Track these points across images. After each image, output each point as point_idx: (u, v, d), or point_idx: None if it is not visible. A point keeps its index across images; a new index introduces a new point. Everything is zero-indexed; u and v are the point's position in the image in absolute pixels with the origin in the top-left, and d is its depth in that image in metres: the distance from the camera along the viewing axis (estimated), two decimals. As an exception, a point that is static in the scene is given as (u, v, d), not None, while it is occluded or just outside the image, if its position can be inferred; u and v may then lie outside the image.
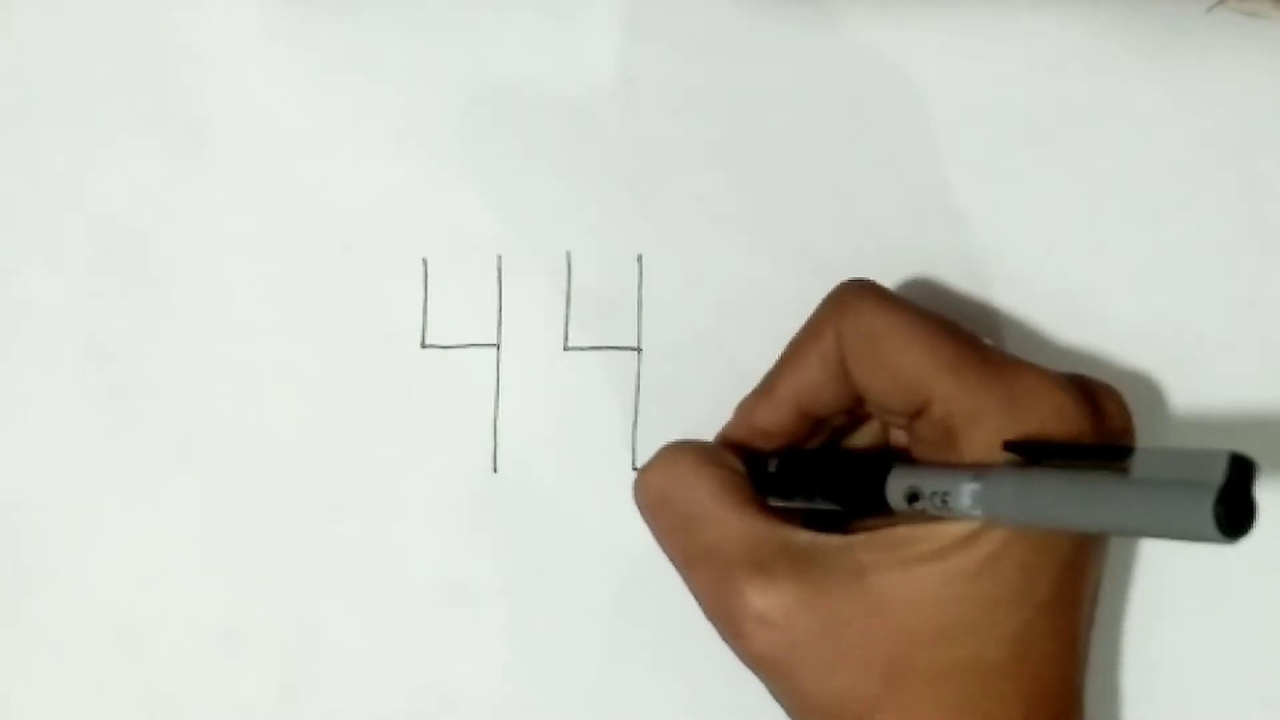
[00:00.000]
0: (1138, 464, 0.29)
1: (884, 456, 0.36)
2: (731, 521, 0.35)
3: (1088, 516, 0.30)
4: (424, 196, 0.42)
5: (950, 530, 0.33)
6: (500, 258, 0.42)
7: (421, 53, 0.42)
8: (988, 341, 0.35)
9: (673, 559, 0.36)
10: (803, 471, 0.37)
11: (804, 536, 0.34)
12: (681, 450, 0.37)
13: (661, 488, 0.36)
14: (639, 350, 0.41)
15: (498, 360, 0.42)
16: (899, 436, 0.38)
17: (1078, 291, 0.41)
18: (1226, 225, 0.41)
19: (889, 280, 0.41)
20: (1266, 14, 0.41)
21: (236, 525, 0.42)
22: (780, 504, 0.37)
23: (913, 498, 0.33)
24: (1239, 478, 0.27)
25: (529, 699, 0.41)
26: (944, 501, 0.32)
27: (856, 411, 0.38)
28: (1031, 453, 0.32)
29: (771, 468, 0.38)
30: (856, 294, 0.36)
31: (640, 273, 0.42)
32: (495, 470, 0.41)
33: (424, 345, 0.42)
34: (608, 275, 0.42)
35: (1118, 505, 0.29)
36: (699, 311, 0.41)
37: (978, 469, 0.32)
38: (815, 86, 0.41)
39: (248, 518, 0.42)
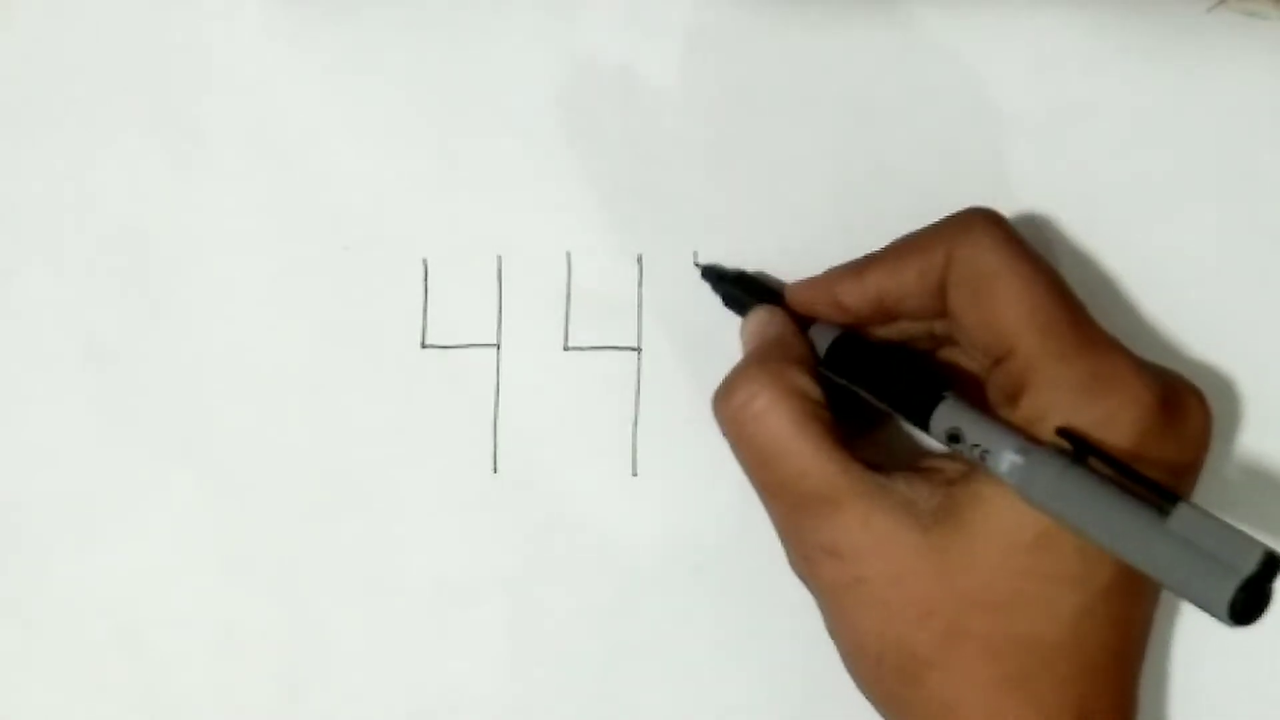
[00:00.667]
0: (1178, 516, 0.29)
1: (939, 380, 0.36)
2: (808, 457, 0.35)
3: (1111, 539, 0.30)
4: (424, 196, 0.42)
5: (1007, 499, 0.33)
6: (500, 258, 0.42)
7: (421, 53, 0.42)
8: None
9: (751, 481, 0.37)
10: (860, 361, 0.37)
11: (875, 479, 0.35)
12: (760, 381, 0.36)
13: (740, 421, 0.36)
14: (639, 350, 0.41)
15: (498, 360, 0.42)
16: (966, 363, 0.38)
17: (1077, 291, 0.41)
18: (1226, 225, 0.41)
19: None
20: (1266, 14, 0.41)
21: (236, 525, 0.42)
22: (827, 374, 0.37)
23: (953, 438, 0.34)
24: (1266, 573, 0.28)
25: (529, 699, 0.41)
26: (982, 456, 0.33)
27: (935, 328, 0.37)
28: (1082, 449, 0.32)
29: (827, 343, 0.38)
30: (979, 223, 0.36)
31: (640, 273, 0.41)
32: (495, 470, 0.42)
33: (424, 345, 0.42)
34: (608, 275, 0.42)
35: (1145, 544, 0.30)
36: (699, 311, 0.41)
37: (1026, 441, 0.32)
38: (815, 86, 0.41)
39: (248, 518, 0.42)
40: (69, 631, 0.42)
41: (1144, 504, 0.30)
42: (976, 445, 0.33)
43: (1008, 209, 0.41)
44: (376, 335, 0.42)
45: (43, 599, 0.42)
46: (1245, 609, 0.28)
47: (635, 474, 0.41)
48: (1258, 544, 0.28)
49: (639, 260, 0.42)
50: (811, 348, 0.38)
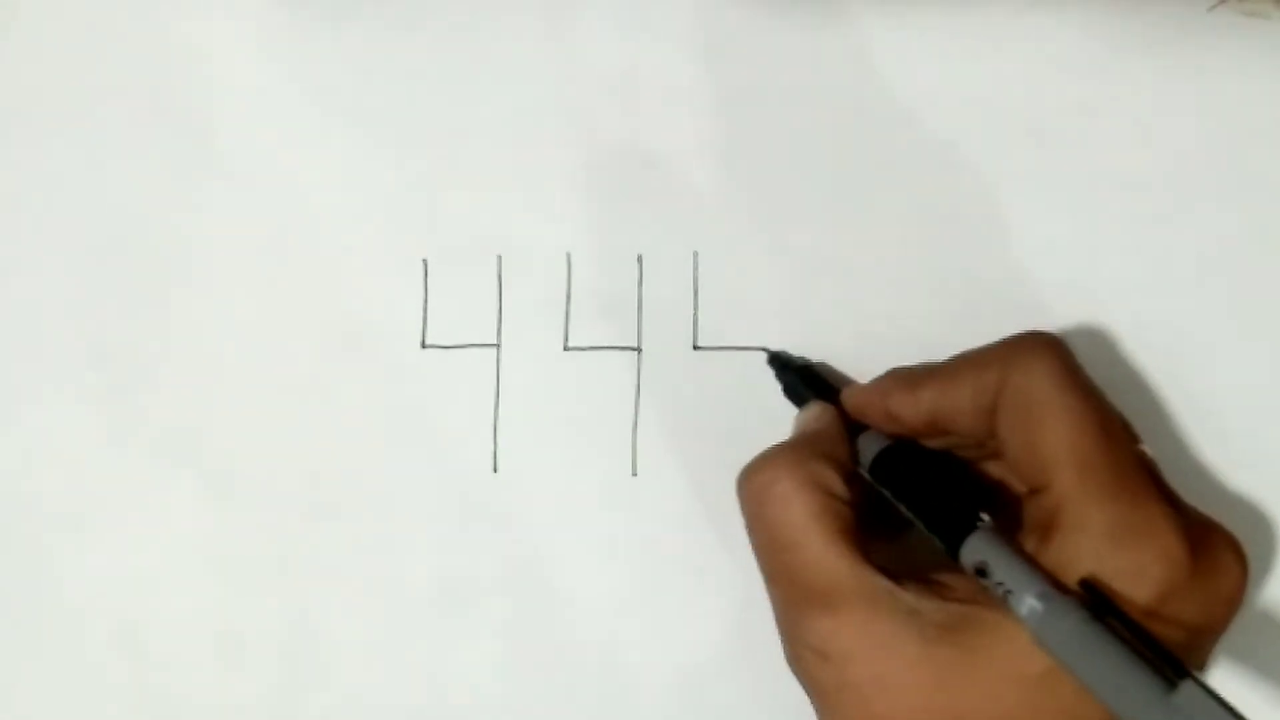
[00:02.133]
0: (1184, 692, 0.29)
1: (977, 505, 0.36)
2: (816, 550, 0.34)
3: (1115, 701, 0.30)
4: (424, 197, 0.42)
5: (1018, 630, 0.32)
6: (500, 258, 0.42)
7: (421, 53, 0.42)
8: (1146, 452, 0.35)
9: (759, 564, 0.36)
10: (902, 475, 0.37)
11: (882, 583, 0.34)
12: (787, 466, 0.36)
13: (759, 501, 0.36)
14: (639, 350, 0.41)
15: (498, 360, 0.42)
16: (1012, 480, 0.38)
17: (1077, 291, 0.41)
18: (1226, 225, 0.41)
19: (889, 280, 0.41)
20: (1267, 14, 0.41)
21: (236, 525, 0.42)
22: (868, 479, 0.37)
23: (980, 572, 0.34)
24: None
25: (529, 699, 0.41)
26: (1006, 596, 0.33)
27: (987, 444, 0.37)
28: (1102, 605, 0.32)
29: (878, 448, 0.37)
30: (1036, 349, 0.35)
31: (640, 273, 0.41)
32: (495, 470, 0.41)
33: (424, 345, 0.42)
34: (608, 275, 0.41)
35: (1148, 713, 0.30)
36: (699, 311, 0.41)
37: (1049, 588, 0.32)
38: (815, 86, 0.41)
39: (248, 518, 0.42)
40: (69, 631, 0.42)
41: (1154, 672, 0.30)
42: (1000, 583, 0.33)
43: (1008, 208, 0.41)
44: (377, 335, 0.42)
45: (43, 599, 0.42)
46: None
47: (635, 474, 0.41)
48: None
49: (639, 260, 0.42)
50: (853, 450, 0.38)
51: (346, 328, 0.42)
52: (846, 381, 0.40)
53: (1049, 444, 0.34)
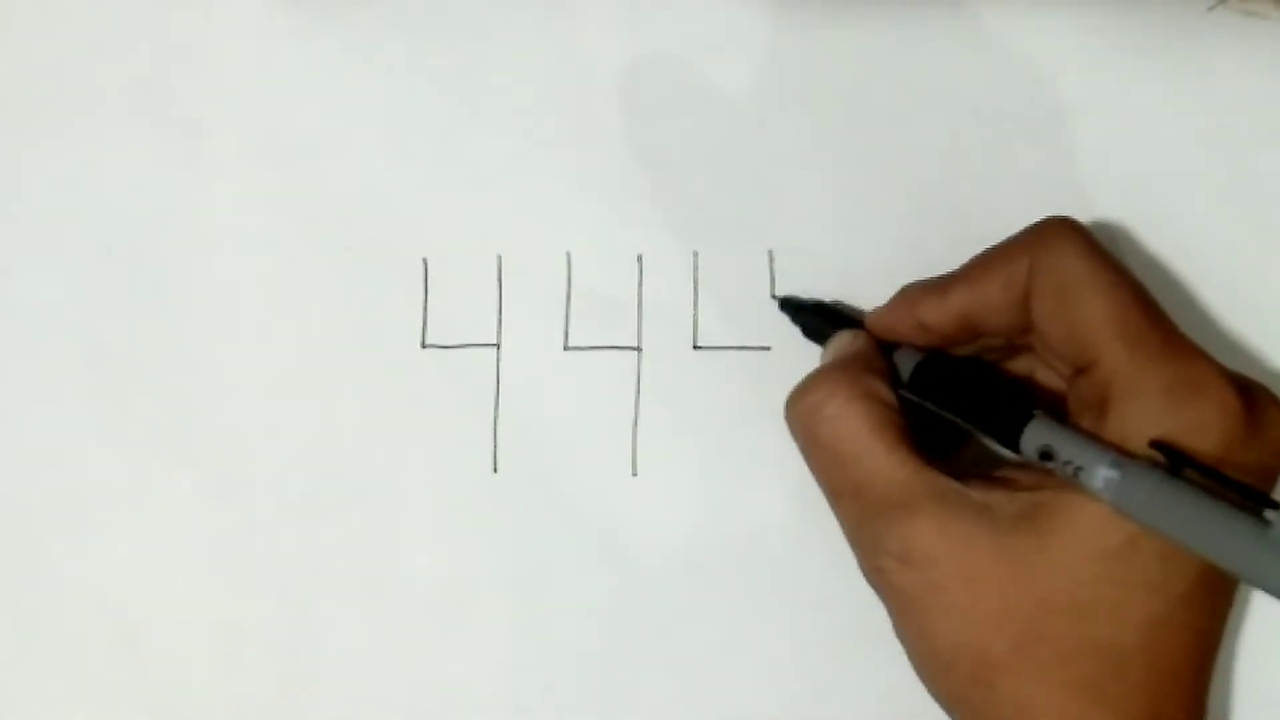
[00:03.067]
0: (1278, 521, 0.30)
1: (1026, 397, 0.36)
2: (880, 459, 0.35)
3: (1214, 550, 0.31)
4: (424, 196, 0.42)
5: (1091, 506, 0.33)
6: (500, 257, 0.42)
7: (421, 53, 0.42)
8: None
9: (821, 484, 0.37)
10: (945, 382, 0.37)
11: (950, 484, 0.35)
12: (835, 383, 0.36)
13: (814, 422, 0.36)
14: (639, 350, 0.41)
15: (498, 360, 0.42)
16: (1047, 377, 0.38)
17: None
18: (1226, 224, 0.41)
19: (890, 280, 0.41)
20: (1267, 14, 0.41)
21: (236, 525, 0.42)
22: (909, 398, 0.37)
23: (1045, 456, 0.34)
24: None
25: (529, 699, 0.41)
26: (1076, 473, 0.33)
27: (1016, 340, 0.37)
28: (1178, 461, 0.32)
29: (911, 366, 0.37)
30: (1061, 232, 0.36)
31: (640, 273, 0.41)
32: (495, 470, 0.41)
33: (424, 345, 0.42)
34: (608, 275, 0.42)
35: (1250, 554, 0.30)
36: (699, 311, 0.41)
37: (1119, 456, 0.32)
38: (815, 86, 0.41)
39: (248, 518, 0.42)
40: (69, 631, 0.42)
41: (1243, 513, 0.30)
42: (1069, 462, 0.33)
43: (1007, 208, 0.41)
44: (377, 335, 0.42)
45: (43, 599, 0.42)
46: None
47: (635, 474, 0.41)
48: None
49: (639, 260, 0.42)
50: (894, 370, 0.38)
51: (346, 327, 0.42)
52: (860, 314, 0.40)
53: (1092, 320, 0.34)
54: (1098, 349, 0.34)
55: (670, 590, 0.41)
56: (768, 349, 0.41)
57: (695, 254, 0.41)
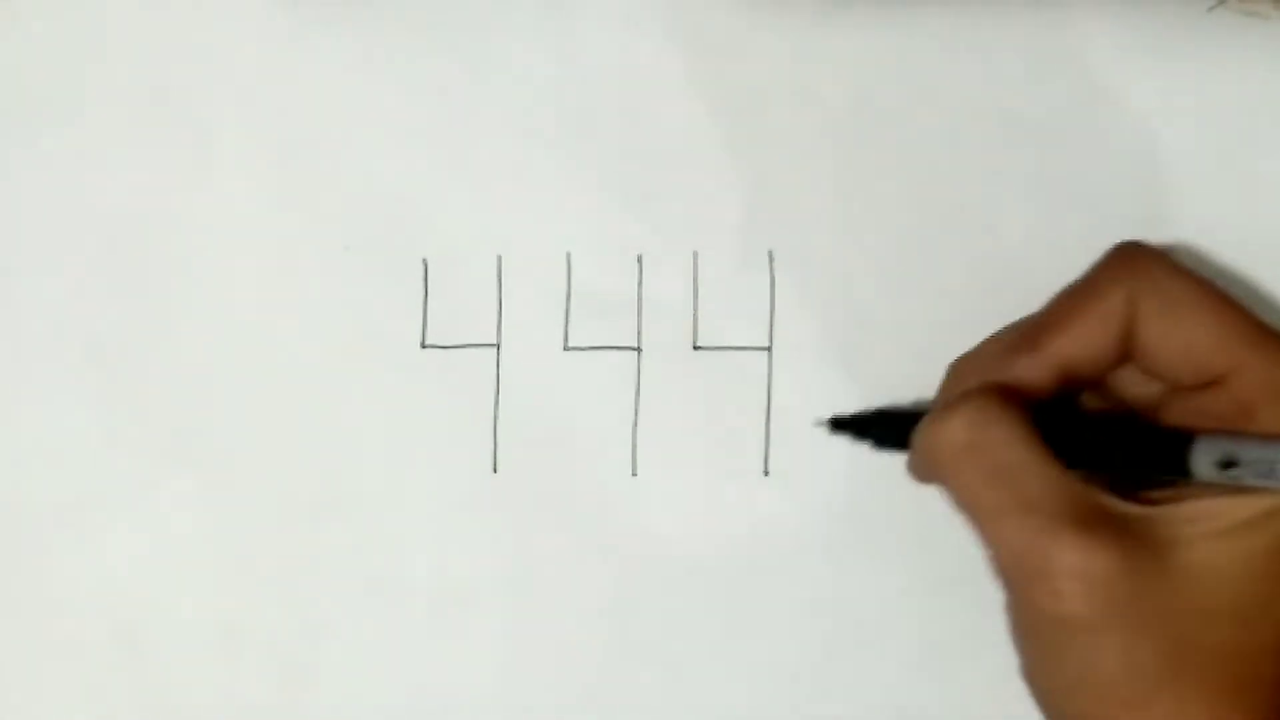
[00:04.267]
0: None
1: (1155, 424, 0.36)
2: (1053, 474, 0.33)
3: None
4: (424, 196, 0.42)
5: (1247, 505, 0.32)
6: (500, 257, 0.42)
7: (421, 52, 0.42)
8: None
9: (976, 508, 0.34)
10: (1065, 428, 0.35)
11: (1115, 501, 0.33)
12: (990, 397, 0.34)
13: (973, 436, 0.34)
14: (639, 350, 0.41)
15: (498, 360, 0.42)
16: (1141, 403, 0.37)
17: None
18: (1227, 226, 0.41)
19: (891, 279, 0.41)
20: (1267, 14, 0.41)
21: (236, 525, 0.42)
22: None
23: (1228, 464, 0.33)
24: None
25: (528, 699, 0.41)
26: (1271, 470, 0.33)
27: (1105, 377, 0.36)
28: None
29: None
30: (1150, 258, 0.35)
31: (640, 272, 0.41)
32: (495, 470, 0.41)
33: (424, 345, 0.42)
34: (608, 275, 0.41)
35: None
36: (700, 311, 0.41)
37: None
38: (816, 86, 0.41)
39: (248, 517, 0.42)
40: (69, 631, 0.42)
41: None
42: (1258, 460, 0.33)
43: (1010, 208, 0.41)
44: (376, 335, 0.42)
45: (43, 599, 0.42)
46: None
47: (635, 474, 0.41)
48: None
49: (639, 260, 0.41)
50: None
51: (346, 327, 0.42)
52: (918, 406, 0.39)
53: (1213, 333, 0.34)
54: (1225, 360, 0.34)
55: (670, 590, 0.41)
56: (768, 349, 0.41)
57: (695, 254, 0.41)
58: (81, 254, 0.42)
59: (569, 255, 0.42)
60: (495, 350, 0.42)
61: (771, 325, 0.41)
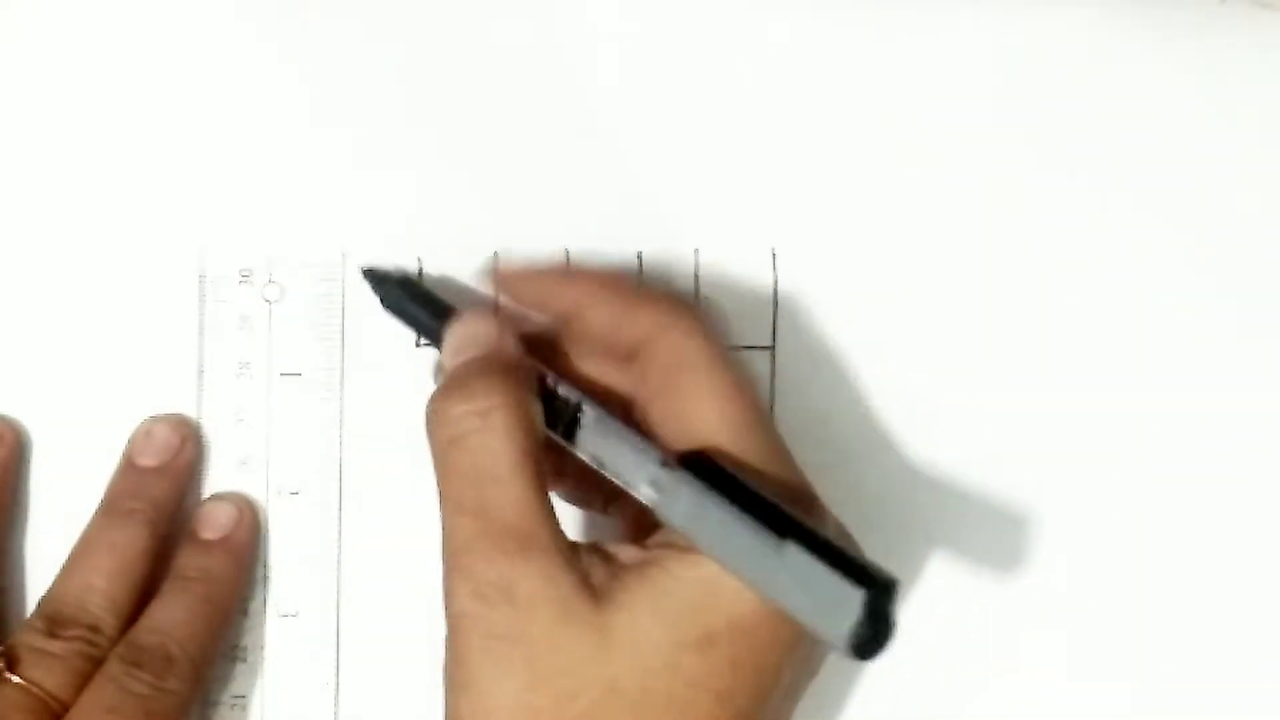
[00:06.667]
0: (791, 550, 0.30)
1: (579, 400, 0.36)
2: (517, 490, 0.34)
3: (736, 564, 0.31)
4: (420, 194, 0.41)
5: (677, 594, 0.32)
6: (497, 255, 0.41)
7: (419, 50, 0.41)
8: None
9: (441, 492, 0.35)
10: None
11: (568, 543, 0.34)
12: (498, 396, 0.34)
13: (464, 430, 0.34)
14: (639, 350, 0.41)
15: (495, 360, 0.41)
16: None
17: (1085, 286, 0.41)
18: (1237, 220, 0.41)
19: (893, 279, 0.41)
20: (1278, 6, 0.40)
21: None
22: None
23: (598, 461, 0.34)
24: (874, 610, 0.29)
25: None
26: (626, 483, 0.34)
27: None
28: (716, 475, 0.32)
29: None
30: (690, 315, 0.36)
31: (640, 271, 0.41)
32: (494, 472, 0.41)
33: (419, 344, 0.41)
34: (607, 274, 0.41)
35: (766, 571, 0.30)
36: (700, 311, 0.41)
37: (665, 460, 0.33)
38: (817, 85, 0.41)
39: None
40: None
41: (768, 531, 0.31)
42: (618, 473, 0.34)
43: (1013, 207, 0.41)
44: (374, 335, 0.41)
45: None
46: (864, 644, 0.29)
47: (636, 476, 0.41)
48: (862, 584, 0.29)
49: (639, 258, 0.41)
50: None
51: (343, 326, 0.41)
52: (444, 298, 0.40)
53: (701, 410, 0.34)
54: (705, 438, 0.34)
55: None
56: (770, 348, 0.41)
57: (696, 252, 0.41)
58: (82, 253, 0.41)
59: (567, 253, 0.41)
60: (493, 350, 0.41)
61: (774, 324, 0.41)
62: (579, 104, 0.41)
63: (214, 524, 0.41)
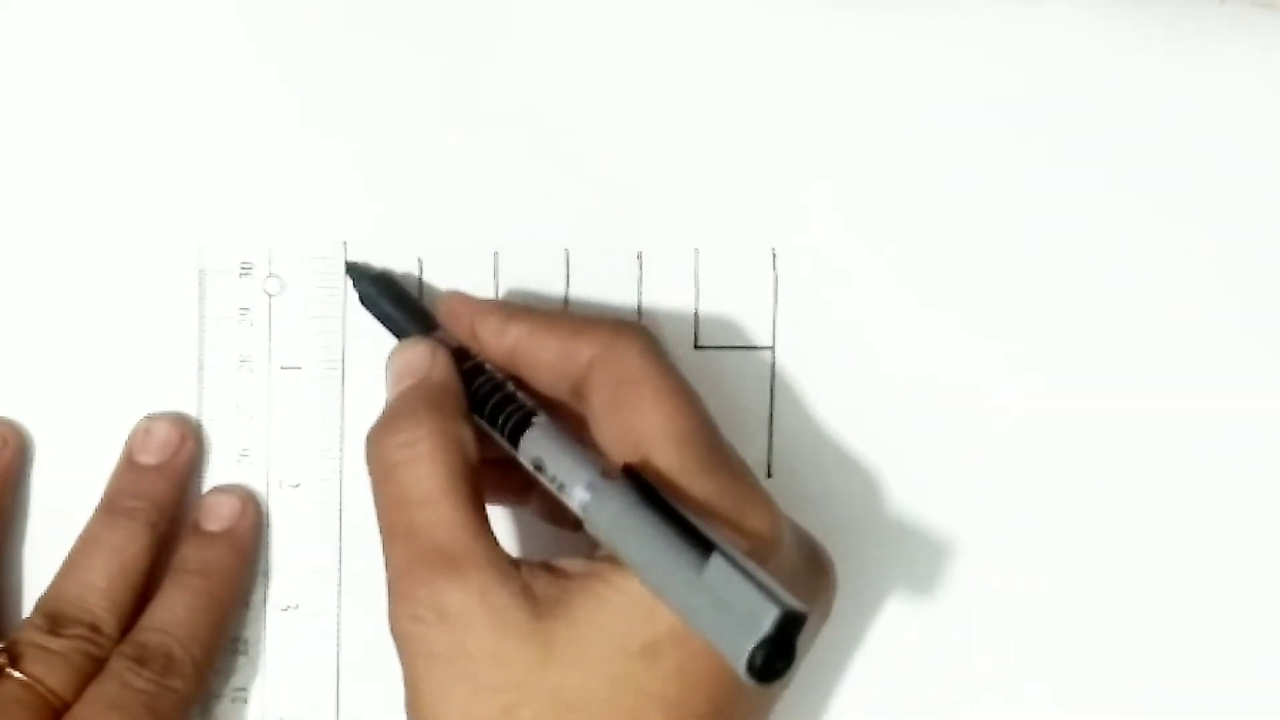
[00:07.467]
0: (714, 566, 0.30)
1: (532, 407, 0.37)
2: (445, 513, 0.34)
3: (654, 581, 0.31)
4: (420, 193, 0.41)
5: (621, 603, 0.32)
6: (497, 254, 0.41)
7: (421, 49, 0.41)
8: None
9: (379, 521, 0.36)
10: (469, 374, 0.37)
11: (502, 555, 0.34)
12: (428, 428, 0.35)
13: (395, 460, 0.35)
14: (639, 350, 0.41)
15: (495, 360, 0.41)
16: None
17: (1087, 286, 0.41)
18: (1238, 219, 0.41)
19: (893, 279, 0.40)
20: (1279, 6, 0.40)
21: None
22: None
23: (537, 468, 0.35)
24: (782, 634, 0.28)
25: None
26: (560, 487, 0.34)
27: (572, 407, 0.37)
28: (645, 489, 0.32)
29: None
30: (632, 333, 0.36)
31: (640, 271, 0.41)
32: (493, 473, 0.41)
33: (420, 344, 0.41)
34: (607, 273, 0.41)
35: (682, 591, 0.30)
36: (701, 310, 0.41)
37: (598, 477, 0.33)
38: (818, 84, 0.41)
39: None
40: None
41: (689, 549, 0.30)
42: (555, 477, 0.34)
43: (1015, 205, 0.41)
44: (375, 328, 0.41)
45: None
46: (764, 668, 0.29)
47: (635, 476, 0.41)
48: (777, 603, 0.28)
49: (639, 258, 0.41)
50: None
51: (342, 326, 0.41)
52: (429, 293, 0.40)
53: (646, 421, 0.34)
54: (649, 450, 0.34)
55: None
56: (770, 349, 0.41)
57: (696, 251, 0.41)
58: (81, 253, 0.41)
59: (567, 253, 0.41)
60: (492, 350, 0.41)
61: (774, 324, 0.41)
62: (579, 104, 0.41)
63: (217, 516, 0.41)
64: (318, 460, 0.42)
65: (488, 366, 0.38)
